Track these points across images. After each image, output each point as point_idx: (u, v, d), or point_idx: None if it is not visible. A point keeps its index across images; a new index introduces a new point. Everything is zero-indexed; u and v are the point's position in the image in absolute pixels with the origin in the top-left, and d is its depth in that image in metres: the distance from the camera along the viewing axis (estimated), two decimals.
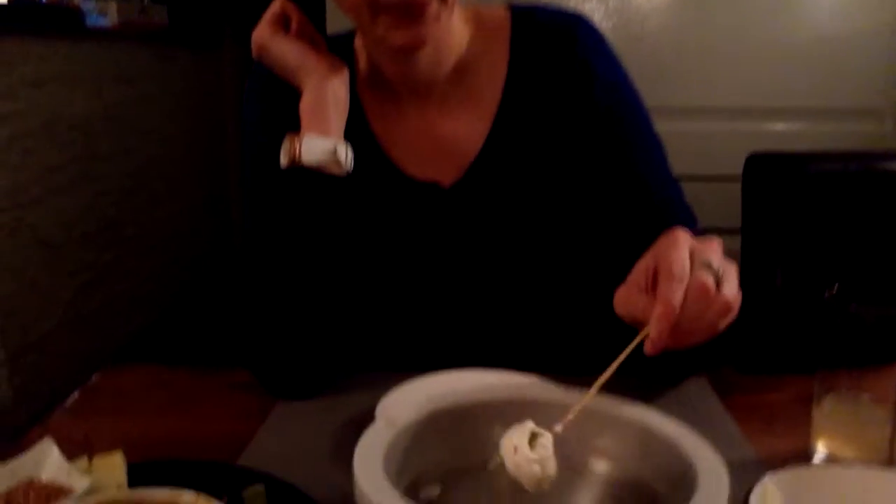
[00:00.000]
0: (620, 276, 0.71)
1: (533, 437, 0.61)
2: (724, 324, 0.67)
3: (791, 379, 0.92)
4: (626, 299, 0.69)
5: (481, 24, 0.98)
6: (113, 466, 0.67)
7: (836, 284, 0.72)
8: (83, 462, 0.67)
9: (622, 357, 0.64)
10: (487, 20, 0.98)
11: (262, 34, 0.93)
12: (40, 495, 0.63)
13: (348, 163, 0.90)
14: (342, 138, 0.91)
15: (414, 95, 0.97)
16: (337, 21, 1.16)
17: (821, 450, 0.76)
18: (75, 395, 0.93)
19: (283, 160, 0.89)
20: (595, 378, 0.65)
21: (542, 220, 0.98)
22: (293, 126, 0.90)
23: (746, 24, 2.06)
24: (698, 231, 0.80)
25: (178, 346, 2.40)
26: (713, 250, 0.67)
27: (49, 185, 1.96)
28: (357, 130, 0.95)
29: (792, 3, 2.07)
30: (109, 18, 2.19)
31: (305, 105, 0.91)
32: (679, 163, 0.99)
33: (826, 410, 0.75)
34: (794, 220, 1.22)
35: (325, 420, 0.84)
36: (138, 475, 0.66)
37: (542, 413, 0.67)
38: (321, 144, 0.89)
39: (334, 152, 0.89)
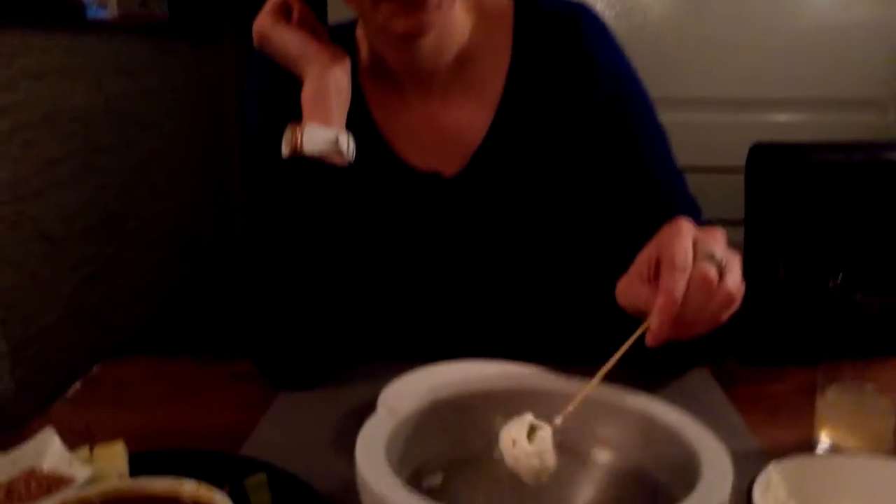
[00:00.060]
0: (623, 266, 0.71)
1: (532, 430, 0.60)
2: (726, 315, 0.67)
3: (794, 369, 0.91)
4: (629, 290, 0.68)
5: (484, 13, 0.97)
6: (114, 456, 0.67)
7: (841, 274, 0.72)
8: (84, 452, 0.67)
9: (623, 349, 0.64)
10: (490, 9, 0.98)
11: (264, 23, 0.92)
12: (41, 485, 0.63)
13: (350, 153, 0.90)
14: (344, 128, 0.91)
15: (416, 85, 0.97)
16: (338, 11, 1.16)
17: (824, 440, 0.76)
18: (77, 385, 0.93)
19: (285, 150, 0.89)
20: (597, 368, 0.64)
21: (544, 210, 0.97)
22: (295, 116, 0.90)
23: (749, 14, 2.05)
24: (702, 222, 0.79)
25: (179, 339, 2.40)
26: (716, 240, 0.66)
27: (50, 178, 1.96)
28: (359, 120, 0.94)
29: None
30: (110, 11, 2.18)
31: (307, 94, 0.90)
32: (681, 154, 0.99)
33: (830, 400, 0.75)
34: (798, 210, 1.22)
35: (327, 410, 0.84)
36: (140, 465, 0.66)
37: (543, 403, 0.66)
38: (323, 134, 0.88)
39: (336, 142, 0.89)
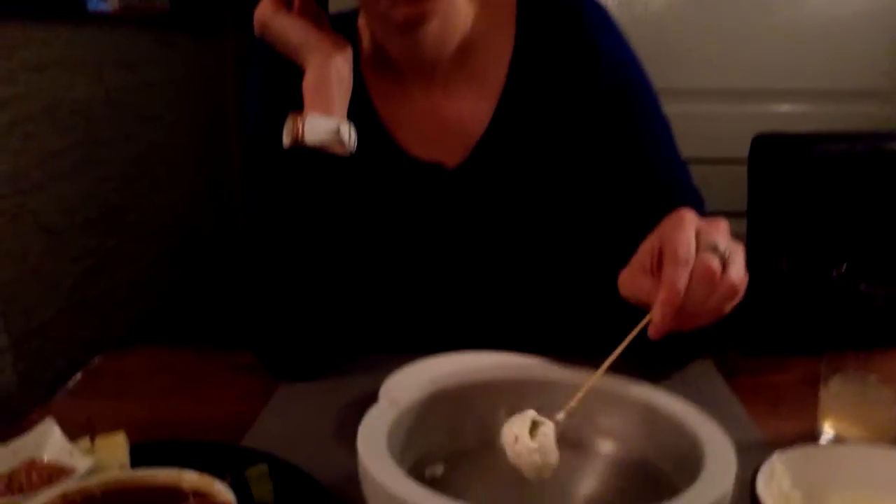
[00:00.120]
0: (626, 258, 0.70)
1: (534, 426, 0.60)
2: (729, 307, 0.66)
3: (797, 360, 0.91)
4: (631, 281, 0.68)
5: (486, 2, 0.96)
6: (115, 447, 0.67)
7: (845, 264, 0.72)
8: (85, 442, 0.67)
9: (626, 342, 0.63)
10: None
11: (265, 11, 0.92)
12: (42, 475, 0.63)
13: (352, 143, 0.90)
14: (345, 118, 0.90)
15: (418, 75, 0.96)
16: None
17: (828, 431, 0.75)
18: (78, 377, 0.93)
19: (286, 140, 0.88)
20: (599, 360, 0.64)
21: (547, 200, 0.97)
22: (296, 105, 0.89)
23: (751, 5, 2.05)
24: (705, 213, 0.79)
25: (181, 331, 2.40)
26: (720, 231, 0.66)
27: (50, 171, 1.96)
28: (360, 110, 0.94)
29: None
30: (111, 3, 2.18)
31: (308, 84, 0.90)
32: (683, 145, 0.98)
33: (833, 391, 0.75)
34: (801, 201, 1.22)
35: (329, 401, 0.84)
36: (141, 456, 0.66)
37: (545, 393, 0.66)
38: (324, 124, 0.88)
39: (337, 132, 0.88)
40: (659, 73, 1.02)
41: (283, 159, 0.89)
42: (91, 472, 0.62)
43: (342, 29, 0.95)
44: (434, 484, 0.60)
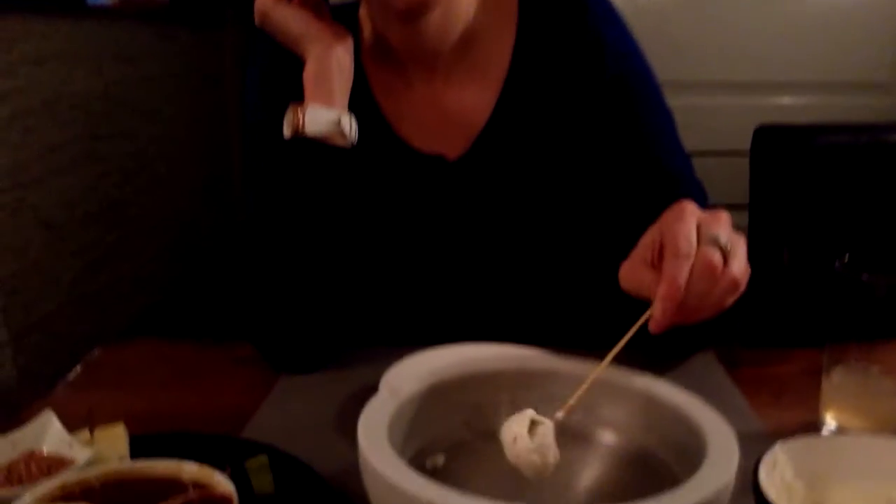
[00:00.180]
0: (628, 250, 0.70)
1: (533, 426, 0.60)
2: (731, 300, 0.66)
3: (798, 352, 0.91)
4: (632, 274, 0.67)
5: None
6: (115, 438, 0.67)
7: (847, 254, 0.71)
8: (85, 434, 0.67)
9: (626, 338, 0.63)
10: None
11: (265, 1, 0.90)
12: (41, 467, 0.63)
13: (353, 134, 0.89)
14: (346, 109, 0.90)
15: (420, 66, 0.96)
16: None
17: (829, 422, 0.75)
18: (77, 369, 0.92)
19: (287, 131, 0.88)
20: (601, 352, 0.64)
21: (549, 192, 0.96)
22: (297, 96, 0.89)
23: None
24: (708, 206, 0.78)
25: (181, 326, 2.40)
26: (721, 223, 0.65)
27: (50, 165, 1.95)
28: (361, 101, 0.93)
29: None
30: None
31: (309, 74, 0.89)
32: (685, 138, 0.98)
33: (835, 382, 0.74)
34: (802, 192, 1.21)
35: (329, 393, 0.84)
36: (141, 448, 0.66)
37: (546, 384, 0.66)
38: (325, 115, 0.87)
39: (338, 123, 0.88)
40: (660, 65, 1.01)
41: (283, 150, 0.88)
42: (90, 463, 0.62)
43: (343, 19, 0.94)
44: (435, 474, 0.59)
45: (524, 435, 0.59)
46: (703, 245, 0.63)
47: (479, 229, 0.97)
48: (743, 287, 0.65)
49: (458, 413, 0.65)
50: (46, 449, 0.65)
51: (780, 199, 1.23)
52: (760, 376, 0.88)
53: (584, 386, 0.62)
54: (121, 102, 2.27)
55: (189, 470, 0.58)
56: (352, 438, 0.56)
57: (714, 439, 0.56)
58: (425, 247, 0.99)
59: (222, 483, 0.57)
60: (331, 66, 0.89)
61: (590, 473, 0.64)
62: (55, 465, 0.63)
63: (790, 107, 2.08)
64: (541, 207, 0.97)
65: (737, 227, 0.67)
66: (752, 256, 0.67)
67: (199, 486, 0.57)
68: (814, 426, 0.76)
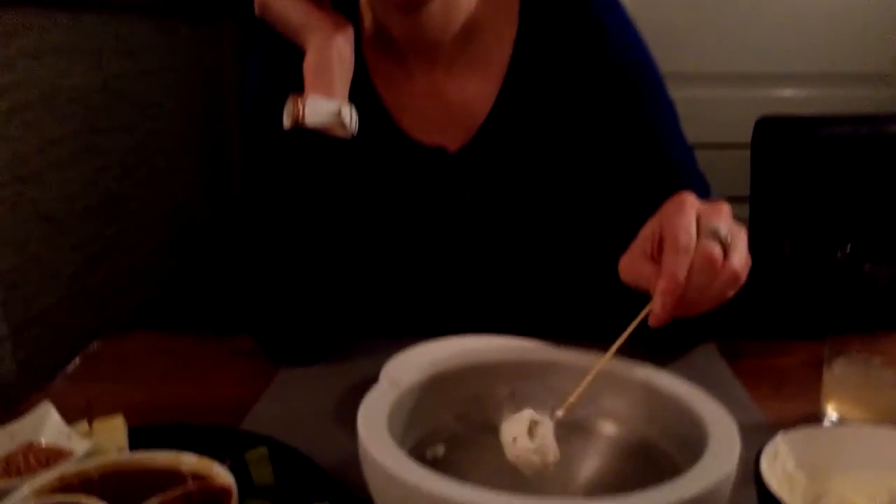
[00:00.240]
0: (629, 243, 0.69)
1: (532, 426, 0.60)
2: (731, 293, 0.65)
3: (799, 344, 0.91)
4: (632, 267, 0.67)
5: None
6: (113, 430, 0.67)
7: (849, 244, 0.71)
8: (83, 426, 0.67)
9: (626, 333, 0.63)
10: None
11: None
12: (40, 458, 0.62)
13: (353, 125, 0.88)
14: (347, 100, 0.89)
15: (421, 57, 0.95)
16: None
17: (831, 413, 0.75)
18: (76, 361, 0.92)
19: (287, 121, 0.87)
20: (602, 344, 0.64)
21: (550, 184, 0.96)
22: (297, 87, 0.88)
23: None
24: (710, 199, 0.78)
25: (181, 319, 2.40)
26: (721, 215, 0.65)
27: (50, 159, 1.95)
28: (362, 93, 0.93)
29: None
30: None
31: (309, 65, 0.88)
32: (686, 130, 0.97)
33: (837, 374, 0.74)
34: (804, 184, 1.21)
35: (329, 386, 0.83)
36: (140, 439, 0.66)
37: (546, 374, 0.66)
38: (325, 106, 0.87)
39: (338, 114, 0.87)
40: (661, 56, 1.01)
41: (283, 141, 0.88)
42: (89, 455, 0.62)
43: (344, 9, 0.93)
44: (435, 465, 0.59)
45: (524, 435, 0.59)
46: (703, 238, 0.63)
47: (479, 221, 0.97)
48: (743, 280, 0.65)
49: (457, 404, 0.65)
50: (45, 440, 0.65)
51: (781, 190, 1.22)
52: (761, 368, 0.88)
53: (584, 383, 0.62)
54: (120, 96, 2.27)
55: (188, 461, 0.58)
56: (352, 430, 0.56)
57: (715, 430, 0.56)
58: (425, 239, 0.98)
59: (221, 474, 0.57)
60: (331, 56, 0.88)
61: (591, 464, 0.64)
62: (53, 456, 0.63)
63: (791, 98, 2.08)
64: (542, 199, 0.96)
65: (738, 219, 0.67)
66: (753, 248, 0.66)
67: (198, 477, 0.57)
68: (814, 418, 0.75)
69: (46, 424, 0.66)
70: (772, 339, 0.95)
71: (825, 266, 0.73)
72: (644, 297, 0.64)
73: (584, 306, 0.99)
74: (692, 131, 0.99)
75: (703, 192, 0.86)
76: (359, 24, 0.96)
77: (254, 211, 0.92)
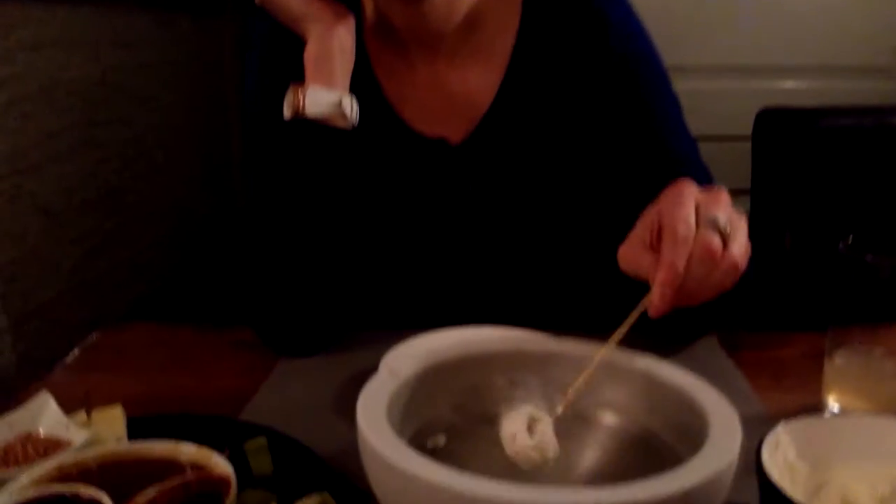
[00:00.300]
0: None
1: (532, 422, 0.59)
2: (730, 282, 0.65)
3: (799, 335, 0.91)
4: (630, 256, 0.66)
5: None
6: (112, 420, 0.67)
7: (851, 235, 0.71)
8: (81, 416, 0.67)
9: (626, 326, 0.63)
10: None
11: None
12: (38, 448, 0.62)
13: (354, 116, 0.88)
14: (348, 90, 0.89)
15: (423, 47, 0.94)
16: None
17: (832, 404, 0.75)
18: (75, 352, 0.92)
19: (287, 112, 0.87)
20: (601, 335, 0.63)
21: (552, 176, 0.95)
22: (297, 77, 0.88)
23: None
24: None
25: (180, 312, 2.40)
26: (720, 204, 0.64)
27: (48, 152, 1.94)
28: (363, 83, 0.92)
29: None
30: None
31: (310, 55, 0.88)
32: (687, 122, 0.97)
33: (838, 364, 0.74)
34: (805, 176, 1.21)
35: (328, 376, 0.83)
36: (139, 430, 0.65)
37: (545, 365, 0.66)
38: (326, 96, 0.86)
39: (339, 105, 0.87)
40: (663, 48, 1.00)
41: (283, 132, 0.87)
42: (87, 445, 0.62)
43: None
44: (435, 454, 0.59)
45: (523, 432, 0.59)
46: (702, 228, 0.62)
47: (481, 213, 0.97)
48: (743, 269, 0.64)
49: (457, 394, 0.65)
50: (43, 431, 0.65)
51: (782, 182, 1.22)
52: (762, 360, 0.88)
53: (583, 377, 0.62)
54: (119, 89, 2.26)
55: (187, 451, 0.58)
56: (351, 420, 0.55)
57: (716, 420, 0.56)
58: (426, 230, 0.98)
59: (220, 464, 0.57)
60: (332, 46, 0.88)
61: (592, 454, 0.64)
62: (52, 446, 0.63)
63: (793, 91, 2.08)
64: (544, 191, 0.96)
65: (738, 209, 0.66)
66: (754, 240, 0.66)
67: (196, 467, 0.57)
68: (815, 409, 0.75)
69: (45, 414, 0.66)
70: (773, 331, 0.95)
71: (827, 257, 0.72)
72: (644, 287, 0.63)
73: (584, 297, 0.98)
74: (693, 123, 0.99)
75: (707, 184, 0.86)
76: (360, 14, 0.95)
77: (254, 202, 0.91)
